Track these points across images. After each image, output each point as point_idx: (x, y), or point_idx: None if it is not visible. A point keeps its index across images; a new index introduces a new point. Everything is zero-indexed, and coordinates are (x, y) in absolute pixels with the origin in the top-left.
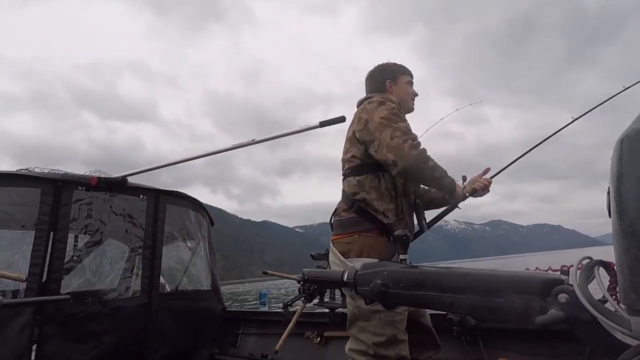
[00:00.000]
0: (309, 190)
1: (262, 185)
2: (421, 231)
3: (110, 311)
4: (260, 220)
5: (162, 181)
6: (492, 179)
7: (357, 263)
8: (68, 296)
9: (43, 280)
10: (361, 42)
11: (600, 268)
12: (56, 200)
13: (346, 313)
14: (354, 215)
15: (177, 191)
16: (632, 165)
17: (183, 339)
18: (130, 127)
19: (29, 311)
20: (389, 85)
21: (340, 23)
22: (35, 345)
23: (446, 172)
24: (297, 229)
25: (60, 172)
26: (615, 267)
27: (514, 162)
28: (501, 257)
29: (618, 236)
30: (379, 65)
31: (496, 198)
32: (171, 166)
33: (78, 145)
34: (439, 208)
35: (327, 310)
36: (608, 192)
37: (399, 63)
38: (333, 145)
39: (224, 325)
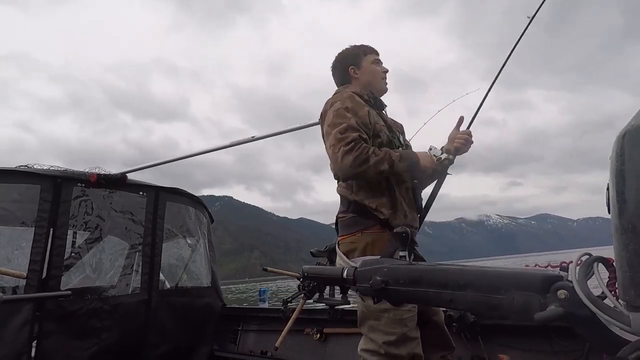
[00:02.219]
0: None
1: (296, 181)
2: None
3: (110, 308)
4: (296, 217)
5: (198, 179)
6: (470, 127)
7: (360, 262)
8: (69, 292)
9: (43, 276)
10: (387, 26)
11: (600, 264)
12: (56, 197)
13: (345, 309)
14: (353, 214)
15: (176, 188)
16: (632, 162)
17: (183, 336)
18: (164, 127)
19: (29, 307)
20: (352, 72)
21: (364, 8)
22: (35, 341)
23: (400, 155)
24: (333, 226)
25: (59, 169)
26: (614, 264)
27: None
28: (548, 253)
29: (617, 232)
30: (338, 55)
31: (542, 191)
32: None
33: (117, 147)
34: (435, 180)
35: (326, 307)
36: (607, 189)
37: (360, 44)
38: None
39: (223, 321)
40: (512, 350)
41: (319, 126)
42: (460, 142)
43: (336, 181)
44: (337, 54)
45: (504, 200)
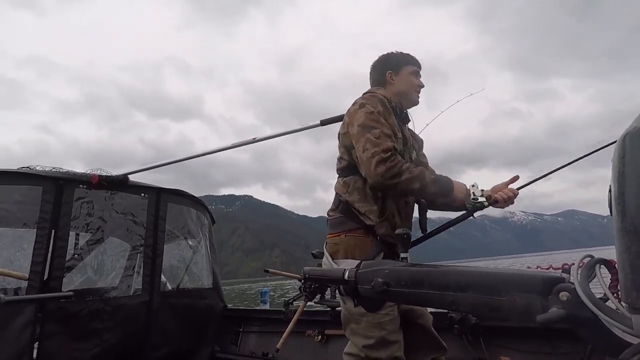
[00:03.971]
0: None
1: (314, 179)
2: (425, 235)
3: (111, 309)
4: (316, 215)
5: (216, 179)
6: (519, 190)
7: (344, 264)
8: (71, 293)
9: (44, 278)
10: (402, 16)
11: (602, 266)
12: (58, 199)
13: None
14: (340, 215)
15: (178, 189)
16: (634, 164)
17: (184, 337)
18: (179, 125)
19: (31, 309)
20: (389, 76)
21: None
22: (37, 343)
23: (434, 179)
24: None
25: (61, 170)
26: (616, 265)
27: (549, 173)
28: (577, 250)
29: (620, 234)
30: (382, 56)
31: (569, 186)
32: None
33: (134, 147)
34: (449, 210)
35: (328, 309)
36: (610, 190)
37: (406, 53)
38: None
39: (225, 323)
40: (514, 352)
41: (318, 127)
42: (502, 196)
43: (338, 177)
44: (381, 55)
45: (529, 196)
